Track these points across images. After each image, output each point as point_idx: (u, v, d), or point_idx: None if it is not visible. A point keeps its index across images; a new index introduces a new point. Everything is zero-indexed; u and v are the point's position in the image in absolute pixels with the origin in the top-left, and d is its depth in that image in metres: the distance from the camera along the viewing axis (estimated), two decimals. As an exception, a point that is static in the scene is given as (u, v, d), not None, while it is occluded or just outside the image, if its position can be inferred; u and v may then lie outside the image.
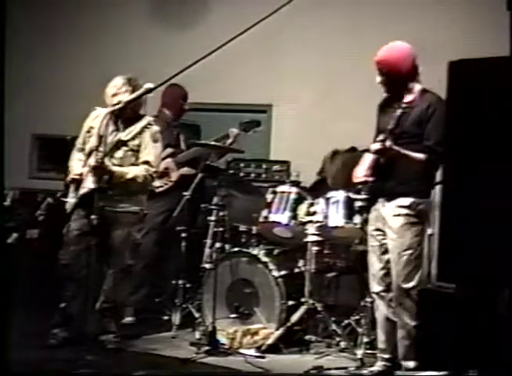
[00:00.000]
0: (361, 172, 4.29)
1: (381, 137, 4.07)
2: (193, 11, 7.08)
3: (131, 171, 4.61)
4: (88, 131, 4.76)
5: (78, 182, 4.63)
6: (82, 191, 4.60)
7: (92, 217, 4.15)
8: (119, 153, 4.63)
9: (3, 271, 3.74)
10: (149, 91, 4.25)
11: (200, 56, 3.95)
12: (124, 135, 4.63)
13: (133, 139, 4.63)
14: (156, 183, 5.71)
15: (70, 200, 4.69)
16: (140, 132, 4.66)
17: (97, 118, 4.72)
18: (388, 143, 4.05)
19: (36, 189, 6.70)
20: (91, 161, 4.50)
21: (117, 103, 4.53)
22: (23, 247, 6.10)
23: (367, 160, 4.29)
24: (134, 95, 4.38)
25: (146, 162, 4.68)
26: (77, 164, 4.72)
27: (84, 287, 4.62)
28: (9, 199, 6.40)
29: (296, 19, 6.39)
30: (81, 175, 4.62)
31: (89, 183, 4.52)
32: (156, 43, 7.09)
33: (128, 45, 7.22)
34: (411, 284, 4.12)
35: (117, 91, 4.65)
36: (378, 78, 4.21)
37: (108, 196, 4.46)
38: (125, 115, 4.62)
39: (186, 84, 5.88)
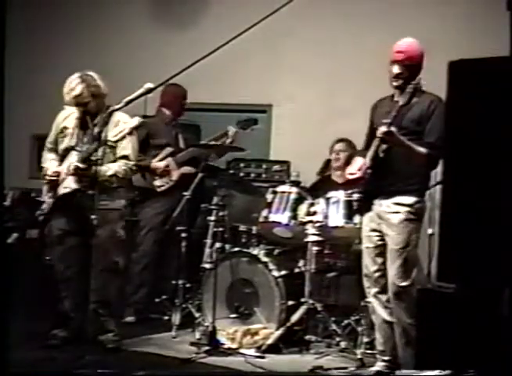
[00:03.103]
0: (355, 169, 4.27)
1: (387, 120, 4.06)
2: (193, 11, 7.08)
3: (111, 168, 4.59)
4: (61, 132, 4.76)
5: (55, 181, 4.63)
6: (63, 191, 4.59)
7: (92, 217, 4.15)
8: (98, 151, 4.62)
9: (3, 271, 3.74)
10: (150, 91, 4.25)
11: (200, 56, 3.95)
12: (111, 136, 4.60)
13: (122, 139, 4.62)
14: (158, 183, 5.72)
15: (47, 200, 4.68)
16: (130, 133, 4.65)
17: (68, 118, 4.76)
18: (393, 128, 4.04)
19: (36, 189, 6.70)
20: (73, 160, 4.50)
21: (79, 100, 4.59)
22: (23, 247, 6.10)
23: (357, 163, 4.27)
24: (134, 95, 4.36)
25: (124, 156, 4.66)
26: (52, 165, 4.71)
27: (74, 286, 4.63)
28: (9, 199, 6.40)
29: (296, 20, 6.39)
30: (58, 174, 4.61)
31: (71, 183, 4.53)
32: (156, 43, 7.09)
33: (128, 45, 7.22)
34: (407, 282, 4.12)
35: (71, 87, 4.66)
36: (396, 69, 4.18)
37: (89, 195, 4.44)
38: (92, 111, 4.63)
39: (186, 84, 5.88)
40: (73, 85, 4.64)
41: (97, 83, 4.66)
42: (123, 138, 4.56)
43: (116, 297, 4.82)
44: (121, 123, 4.62)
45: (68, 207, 4.60)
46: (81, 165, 4.40)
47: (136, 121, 4.57)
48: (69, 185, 4.56)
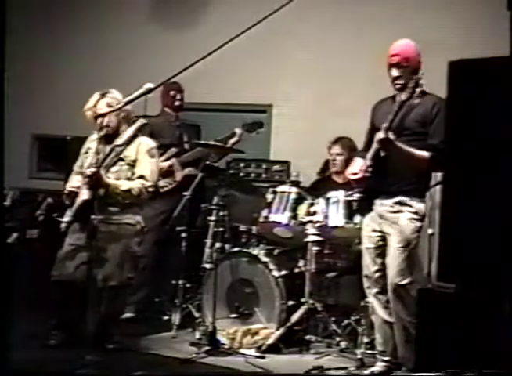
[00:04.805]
0: (355, 170, 4.26)
1: (384, 126, 4.05)
2: (193, 11, 7.08)
3: (126, 184, 4.62)
4: (86, 152, 4.82)
5: (73, 197, 4.61)
6: (76, 205, 4.58)
7: (92, 217, 4.14)
8: (115, 168, 4.65)
9: (3, 271, 3.74)
10: (149, 91, 4.25)
11: (200, 56, 3.94)
12: (125, 154, 4.66)
13: (128, 144, 4.63)
14: (161, 183, 5.71)
15: (66, 218, 4.66)
16: (133, 136, 4.67)
17: (94, 140, 4.78)
18: (391, 136, 4.04)
19: (36, 189, 6.71)
20: (87, 171, 4.49)
21: (99, 116, 4.60)
22: (23, 247, 6.10)
23: (358, 164, 4.28)
24: (134, 95, 4.36)
25: (141, 176, 4.68)
26: (75, 184, 4.69)
27: (81, 299, 4.58)
28: (9, 199, 6.40)
29: (296, 19, 6.39)
30: (77, 188, 4.60)
31: (83, 195, 4.51)
32: (156, 43, 7.09)
33: (128, 46, 7.22)
34: (407, 280, 4.13)
35: (93, 104, 4.73)
36: (395, 72, 4.19)
37: (103, 208, 4.45)
38: (110, 129, 4.66)
39: (186, 84, 5.89)
40: (95, 104, 4.71)
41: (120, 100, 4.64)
42: (129, 142, 4.60)
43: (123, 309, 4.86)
44: (143, 144, 4.72)
45: (81, 222, 4.56)
46: (91, 172, 4.39)
47: (139, 121, 4.60)
48: (81, 197, 4.54)
